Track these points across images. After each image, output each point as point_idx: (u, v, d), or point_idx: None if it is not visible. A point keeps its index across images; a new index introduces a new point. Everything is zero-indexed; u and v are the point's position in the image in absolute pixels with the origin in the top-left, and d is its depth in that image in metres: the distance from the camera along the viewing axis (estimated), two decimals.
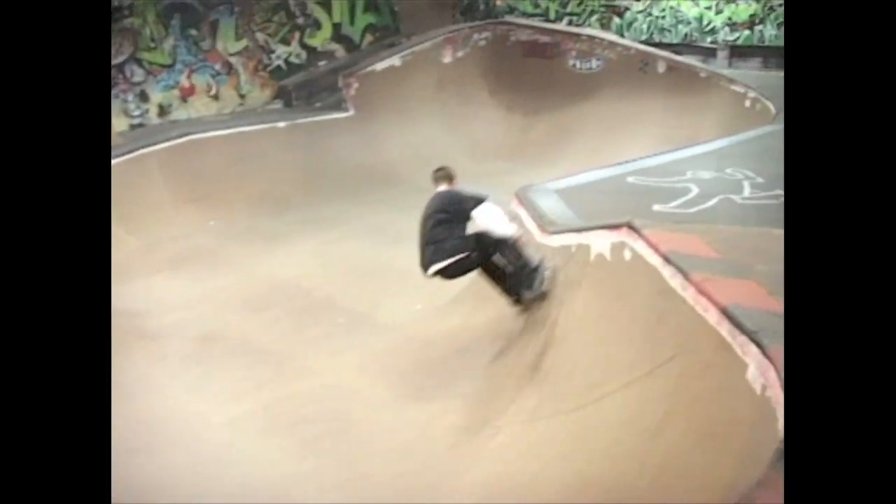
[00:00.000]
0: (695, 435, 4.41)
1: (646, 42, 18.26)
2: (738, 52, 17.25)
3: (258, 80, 20.39)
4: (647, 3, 18.78)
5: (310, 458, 6.74)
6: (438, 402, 7.29)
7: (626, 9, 19.20)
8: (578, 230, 7.38)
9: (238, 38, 19.98)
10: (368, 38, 22.17)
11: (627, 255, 6.23)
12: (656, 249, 5.66)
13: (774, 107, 13.38)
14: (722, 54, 17.40)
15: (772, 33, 16.46)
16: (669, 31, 18.35)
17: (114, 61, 17.70)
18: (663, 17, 18.46)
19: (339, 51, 21.69)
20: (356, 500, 6.08)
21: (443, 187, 8.43)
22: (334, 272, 11.57)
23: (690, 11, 17.85)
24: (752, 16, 16.72)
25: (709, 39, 17.61)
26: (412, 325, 9.34)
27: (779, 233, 6.28)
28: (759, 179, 9.25)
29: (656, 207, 8.33)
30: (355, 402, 7.63)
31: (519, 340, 7.59)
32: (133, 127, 17.94)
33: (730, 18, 17.11)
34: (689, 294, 4.94)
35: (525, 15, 21.35)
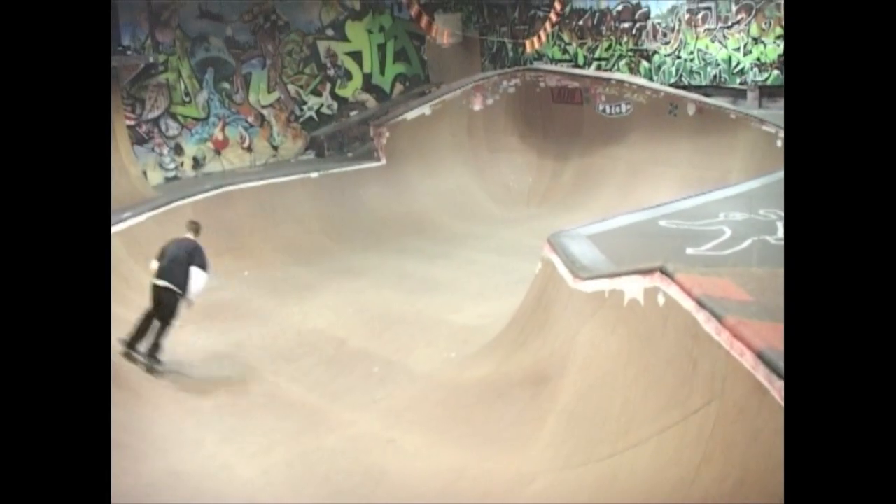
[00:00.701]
0: (732, 482, 4.32)
1: (675, 85, 18.26)
2: (768, 92, 17.16)
3: (290, 132, 20.68)
4: (676, 46, 18.80)
5: None
6: (472, 450, 7.23)
7: (655, 52, 19.24)
8: (611, 276, 7.33)
9: (270, 90, 20.30)
10: (398, 87, 22.46)
11: (661, 299, 6.16)
12: (689, 294, 5.60)
13: None
14: (751, 95, 17.33)
15: None
16: (698, 73, 18.34)
17: (148, 116, 18.10)
18: (691, 60, 18.46)
19: (370, 101, 21.96)
20: None
21: (190, 235, 10.71)
22: (367, 321, 11.58)
23: (718, 53, 17.83)
24: (780, 56, 16.67)
25: (738, 80, 17.55)
26: (445, 373, 9.30)
27: None
28: None
29: (689, 251, 8.27)
30: (389, 452, 7.58)
31: (552, 386, 7.51)
32: (168, 180, 18.27)
33: (758, 59, 17.07)
34: (723, 338, 4.87)
35: (553, 61, 21.46)
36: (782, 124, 14.67)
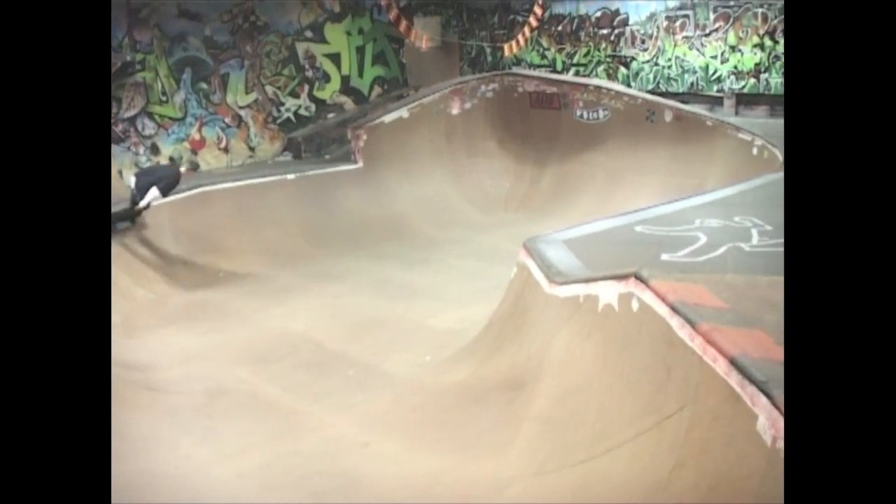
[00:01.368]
0: (704, 488, 4.35)
1: (652, 92, 18.36)
2: (745, 101, 17.32)
3: (267, 133, 20.63)
4: (654, 53, 18.92)
5: None
6: (448, 455, 7.23)
7: (633, 59, 19.35)
8: (586, 281, 7.36)
9: (248, 91, 20.25)
10: (377, 90, 22.45)
11: (635, 305, 6.20)
12: (664, 300, 5.64)
13: (781, 154, 13.40)
14: (728, 102, 17.47)
15: (777, 81, 16.54)
16: (676, 80, 18.47)
17: (125, 115, 18.00)
18: (669, 67, 18.58)
19: (348, 103, 21.94)
20: None
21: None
22: (343, 324, 11.57)
23: (696, 61, 17.97)
24: (757, 64, 16.81)
25: (715, 88, 17.70)
26: (422, 377, 9.31)
27: None
28: (768, 227, 9.23)
29: (665, 257, 8.30)
30: (364, 456, 7.57)
31: (528, 391, 7.53)
32: None
33: (735, 67, 17.21)
34: (697, 344, 4.91)
35: (532, 66, 21.54)
36: (759, 132, 14.81)
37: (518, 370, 7.90)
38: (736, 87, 17.29)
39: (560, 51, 21.05)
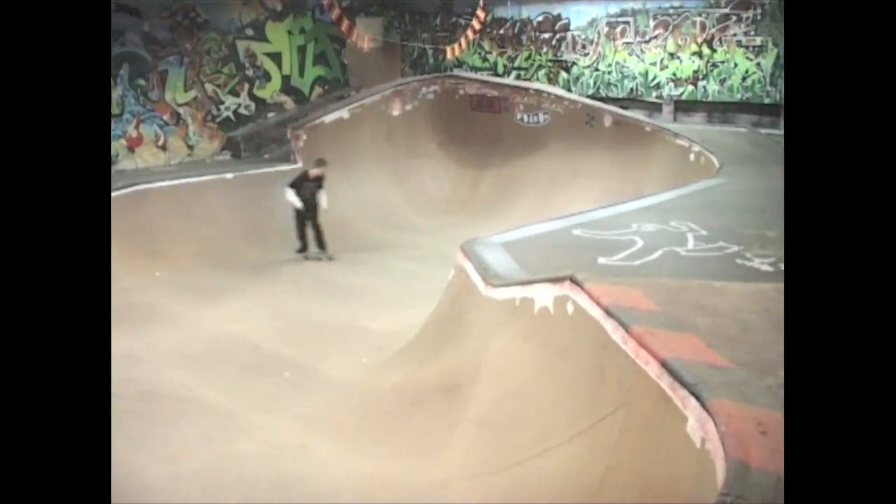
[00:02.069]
0: (636, 490, 4.41)
1: (592, 97, 18.53)
2: (683, 107, 17.55)
3: (207, 132, 20.38)
4: (594, 58, 19.09)
5: None
6: (385, 458, 7.21)
7: (573, 64, 19.51)
8: (522, 283, 7.40)
9: (187, 88, 19.98)
10: (318, 90, 22.33)
11: (570, 308, 6.25)
12: (598, 303, 5.69)
13: (718, 160, 13.60)
14: (667, 108, 17.70)
15: (714, 88, 16.79)
16: (615, 85, 18.66)
17: None
18: (609, 73, 18.77)
19: (289, 103, 21.79)
20: None
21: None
22: (280, 326, 11.47)
23: (636, 67, 18.17)
24: (695, 72, 17.05)
25: (654, 94, 17.92)
26: (359, 380, 9.27)
27: (720, 285, 6.38)
28: (703, 232, 9.35)
29: (601, 260, 8.36)
30: (301, 459, 7.51)
31: (465, 394, 7.55)
32: None
33: (674, 74, 17.44)
34: (630, 347, 4.97)
35: (473, 69, 21.61)
36: (696, 138, 15.03)
37: (455, 373, 7.91)
38: (674, 93, 17.53)
39: (502, 54, 21.14)
